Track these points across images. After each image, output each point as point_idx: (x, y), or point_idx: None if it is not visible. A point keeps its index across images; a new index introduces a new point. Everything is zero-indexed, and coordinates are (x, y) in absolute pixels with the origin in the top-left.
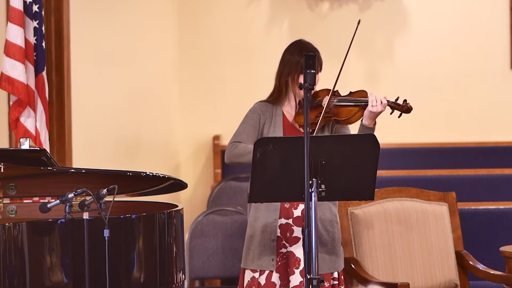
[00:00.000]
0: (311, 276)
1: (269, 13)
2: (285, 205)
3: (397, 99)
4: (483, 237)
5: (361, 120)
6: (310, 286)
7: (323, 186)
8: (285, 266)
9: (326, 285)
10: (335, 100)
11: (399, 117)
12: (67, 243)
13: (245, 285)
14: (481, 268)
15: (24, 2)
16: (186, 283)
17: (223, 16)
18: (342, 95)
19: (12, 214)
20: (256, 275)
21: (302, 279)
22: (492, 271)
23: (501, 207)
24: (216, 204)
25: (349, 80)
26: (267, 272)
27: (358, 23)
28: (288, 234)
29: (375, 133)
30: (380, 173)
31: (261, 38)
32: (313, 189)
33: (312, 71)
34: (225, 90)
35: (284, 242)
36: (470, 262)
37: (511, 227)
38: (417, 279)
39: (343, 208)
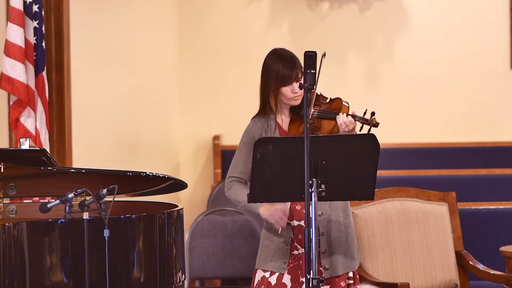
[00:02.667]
0: (311, 276)
1: (269, 13)
2: (297, 207)
3: (364, 113)
4: (483, 237)
5: None
6: (310, 286)
7: (323, 186)
8: (297, 267)
9: (342, 285)
10: (316, 112)
11: (368, 131)
12: (67, 243)
13: (255, 284)
14: (481, 268)
15: (24, 2)
16: (186, 283)
17: (223, 16)
18: (325, 101)
19: (12, 214)
20: (267, 274)
21: None
22: (492, 271)
23: (501, 207)
24: (216, 204)
25: (349, 80)
26: (278, 273)
27: (323, 55)
28: (300, 236)
29: (375, 133)
30: (380, 173)
31: (261, 38)
32: (313, 189)
33: (312, 71)
34: (225, 90)
35: (296, 244)
36: (470, 262)
37: (511, 227)
38: (417, 279)
39: None
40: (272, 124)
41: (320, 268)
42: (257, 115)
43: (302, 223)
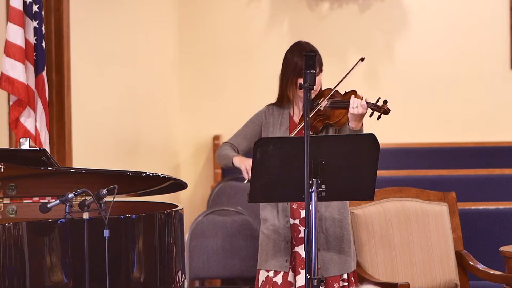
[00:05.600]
0: (311, 276)
1: (269, 13)
2: (293, 206)
3: (377, 101)
4: (483, 237)
5: (348, 124)
6: (310, 286)
7: (323, 186)
8: (297, 265)
9: (335, 286)
10: (329, 103)
11: (378, 118)
12: (67, 243)
13: (260, 285)
14: (481, 268)
15: (24, 2)
16: (186, 283)
17: (223, 16)
18: (341, 94)
19: (12, 214)
20: (271, 274)
21: None
22: (492, 271)
23: (501, 207)
24: (216, 204)
25: (349, 80)
26: (282, 272)
27: (362, 60)
28: (295, 234)
29: (375, 133)
30: (380, 173)
31: (261, 38)
32: (313, 189)
33: (312, 71)
34: (225, 90)
35: (294, 242)
36: (470, 262)
37: (511, 227)
38: (417, 279)
39: None
40: (286, 114)
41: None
42: (273, 104)
43: (297, 221)
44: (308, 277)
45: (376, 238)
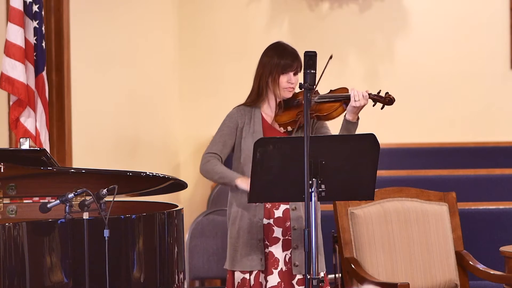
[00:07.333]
0: (311, 276)
1: (269, 13)
2: (267, 205)
3: (379, 92)
4: (483, 237)
5: (344, 116)
6: (310, 286)
7: (323, 186)
8: (269, 264)
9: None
10: (316, 98)
11: (381, 108)
12: (67, 243)
13: (236, 286)
14: (481, 268)
15: (24, 2)
16: (186, 283)
17: (223, 16)
18: (322, 94)
19: (12, 214)
20: (247, 275)
21: (279, 280)
22: (492, 271)
23: (501, 207)
24: (216, 204)
25: (349, 80)
26: (255, 272)
27: (330, 57)
28: (269, 234)
29: (375, 133)
30: (380, 173)
31: (261, 38)
32: (313, 189)
33: (312, 71)
34: (225, 90)
35: (267, 242)
36: (470, 262)
37: (511, 227)
38: (417, 279)
39: (343, 208)
40: (257, 114)
41: (289, 266)
42: (243, 104)
43: (271, 221)
44: (308, 277)
45: (376, 238)
